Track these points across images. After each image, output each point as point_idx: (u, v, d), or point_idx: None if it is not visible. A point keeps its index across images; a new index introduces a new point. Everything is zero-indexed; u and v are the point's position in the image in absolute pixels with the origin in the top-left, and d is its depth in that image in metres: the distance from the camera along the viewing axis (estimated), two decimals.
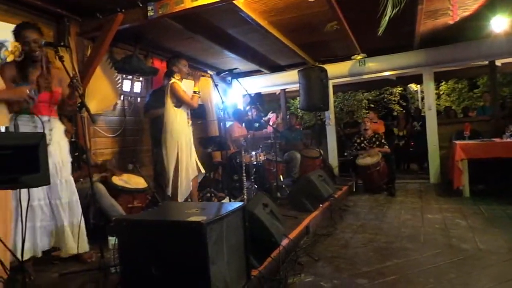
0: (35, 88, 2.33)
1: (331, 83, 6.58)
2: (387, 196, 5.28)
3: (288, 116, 7.25)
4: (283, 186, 5.11)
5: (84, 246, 2.59)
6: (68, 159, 2.59)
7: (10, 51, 3.28)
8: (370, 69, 6.38)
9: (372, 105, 14.77)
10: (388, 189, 5.45)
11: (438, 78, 9.79)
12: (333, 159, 6.90)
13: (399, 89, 15.36)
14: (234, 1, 3.50)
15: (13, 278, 2.00)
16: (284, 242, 2.72)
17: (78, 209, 2.57)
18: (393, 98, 15.75)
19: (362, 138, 5.93)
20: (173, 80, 3.52)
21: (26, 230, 2.09)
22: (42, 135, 1.20)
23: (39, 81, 2.42)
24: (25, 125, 2.35)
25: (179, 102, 3.50)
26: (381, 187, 5.54)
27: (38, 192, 2.36)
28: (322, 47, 5.83)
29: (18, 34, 2.41)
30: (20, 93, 2.24)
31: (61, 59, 2.35)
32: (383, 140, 5.84)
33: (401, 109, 13.16)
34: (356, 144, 5.94)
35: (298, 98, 10.00)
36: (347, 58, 6.40)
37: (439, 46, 5.84)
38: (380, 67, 6.37)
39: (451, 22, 4.25)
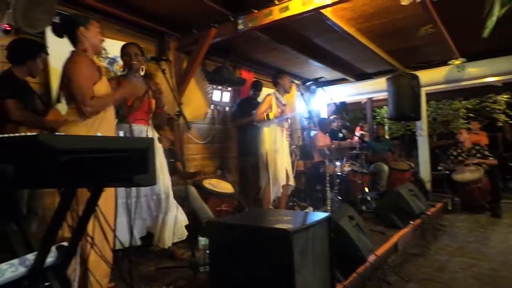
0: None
1: (423, 90, 6.11)
2: (491, 217, 4.69)
3: (375, 126, 6.92)
4: (369, 199, 4.87)
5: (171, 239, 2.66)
6: (163, 161, 2.77)
7: (121, 66, 3.74)
8: (470, 75, 5.76)
9: (471, 115, 13.27)
10: (492, 209, 4.83)
11: None
12: (425, 172, 6.35)
13: (505, 96, 13.52)
14: (321, 10, 3.50)
15: (116, 265, 2.21)
16: (371, 258, 2.59)
17: (171, 206, 2.69)
18: (498, 107, 13.90)
19: (459, 151, 5.39)
20: (268, 93, 3.73)
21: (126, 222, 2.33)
22: (152, 140, 1.33)
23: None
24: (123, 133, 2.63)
25: None
26: (482, 206, 4.94)
27: (140, 189, 2.60)
28: (414, 52, 5.46)
29: (122, 51, 2.73)
30: (135, 87, 2.33)
31: (163, 71, 2.60)
32: (485, 152, 5.22)
33: (509, 119, 11.58)
34: (452, 157, 5.42)
35: (384, 107, 9.50)
36: (443, 63, 5.88)
37: None
38: (483, 72, 5.72)
39: None
